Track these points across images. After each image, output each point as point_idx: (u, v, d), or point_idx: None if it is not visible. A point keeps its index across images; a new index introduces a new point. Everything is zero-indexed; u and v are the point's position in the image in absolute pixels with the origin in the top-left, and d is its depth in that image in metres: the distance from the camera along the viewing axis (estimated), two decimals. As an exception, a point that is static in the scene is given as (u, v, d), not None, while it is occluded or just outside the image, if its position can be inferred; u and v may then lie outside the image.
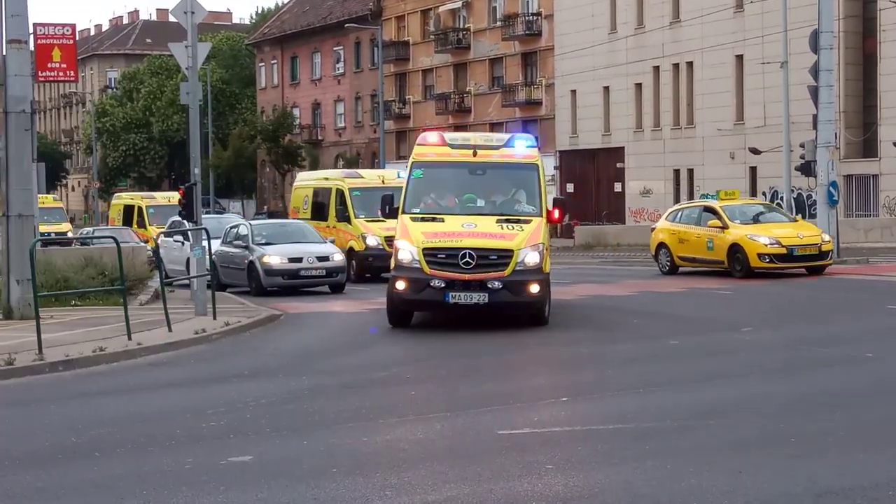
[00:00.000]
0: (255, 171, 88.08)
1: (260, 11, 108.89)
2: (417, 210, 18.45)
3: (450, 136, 19.91)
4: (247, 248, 27.78)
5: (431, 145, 19.15)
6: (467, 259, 17.23)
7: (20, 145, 20.06)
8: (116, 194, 62.37)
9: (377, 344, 16.83)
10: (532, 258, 17.50)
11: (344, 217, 31.49)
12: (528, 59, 65.99)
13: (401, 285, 17.53)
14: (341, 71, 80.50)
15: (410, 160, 19.24)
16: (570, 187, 62.84)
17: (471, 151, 18.82)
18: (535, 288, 17.43)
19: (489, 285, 17.25)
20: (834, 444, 9.61)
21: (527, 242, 17.58)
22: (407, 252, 17.52)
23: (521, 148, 19.02)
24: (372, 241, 29.75)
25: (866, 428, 10.33)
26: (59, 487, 8.88)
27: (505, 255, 17.42)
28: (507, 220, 18.09)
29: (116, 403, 12.71)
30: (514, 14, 65.53)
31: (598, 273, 32.35)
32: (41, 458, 9.89)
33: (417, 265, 17.36)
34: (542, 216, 18.26)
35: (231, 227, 29.94)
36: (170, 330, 17.81)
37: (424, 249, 17.41)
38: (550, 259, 19.11)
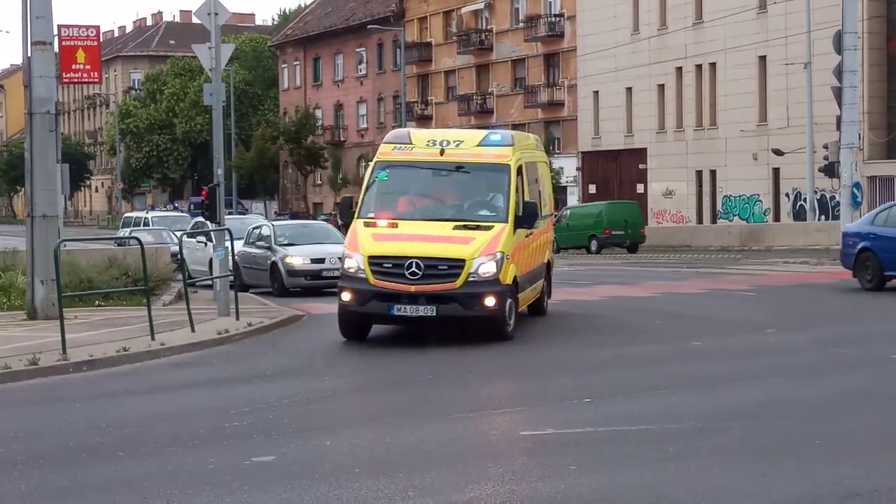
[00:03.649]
0: (278, 172, 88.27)
1: (283, 13, 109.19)
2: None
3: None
4: (269, 248, 27.88)
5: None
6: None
7: (45, 146, 20.15)
8: None
9: (396, 344, 16.84)
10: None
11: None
12: (550, 60, 65.92)
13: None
14: (364, 72, 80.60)
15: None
16: (592, 188, 62.80)
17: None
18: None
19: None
20: (859, 446, 9.56)
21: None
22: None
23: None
24: None
25: (892, 429, 10.28)
26: (84, 486, 8.92)
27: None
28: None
29: (140, 403, 12.76)
30: (536, 15, 65.49)
31: (619, 274, 32.29)
32: (66, 457, 9.93)
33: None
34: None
35: (254, 228, 30.05)
36: (193, 330, 17.85)
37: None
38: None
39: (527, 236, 17.85)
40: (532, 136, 22.28)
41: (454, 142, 17.61)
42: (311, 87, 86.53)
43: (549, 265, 20.62)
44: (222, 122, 21.75)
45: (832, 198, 46.68)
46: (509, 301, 16.55)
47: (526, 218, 17.24)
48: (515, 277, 16.83)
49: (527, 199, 17.84)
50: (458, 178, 17.65)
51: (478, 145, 17.59)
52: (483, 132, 18.71)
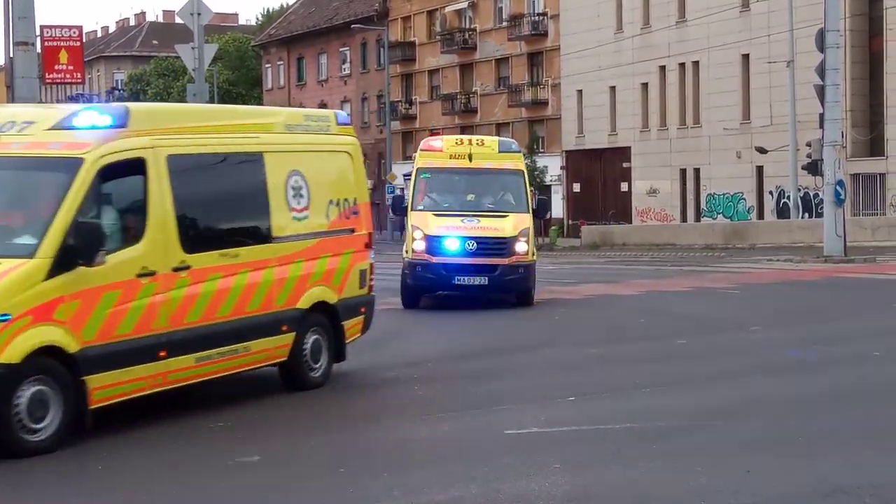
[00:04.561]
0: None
1: (266, 13, 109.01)
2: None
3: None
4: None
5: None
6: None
7: (27, 147, 20.07)
8: None
9: (382, 345, 16.81)
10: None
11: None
12: (534, 59, 65.95)
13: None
14: (347, 72, 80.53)
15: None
16: (576, 187, 62.84)
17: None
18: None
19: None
20: (843, 443, 9.60)
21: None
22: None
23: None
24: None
25: (875, 426, 10.32)
26: (69, 483, 8.90)
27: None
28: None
29: (125, 402, 12.71)
30: (519, 14, 65.51)
31: (604, 272, 32.32)
32: (52, 453, 9.89)
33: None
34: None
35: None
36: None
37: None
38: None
39: (181, 268, 11.16)
40: (283, 111, 15.56)
41: (21, 123, 11.06)
42: (295, 86, 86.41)
43: (332, 310, 13.26)
44: (206, 122, 21.69)
45: (815, 195, 46.79)
46: (20, 392, 9.70)
47: (82, 248, 10.23)
48: (54, 348, 9.96)
49: (158, 213, 11.04)
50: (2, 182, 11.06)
51: (50, 128, 10.92)
52: (77, 107, 11.38)
